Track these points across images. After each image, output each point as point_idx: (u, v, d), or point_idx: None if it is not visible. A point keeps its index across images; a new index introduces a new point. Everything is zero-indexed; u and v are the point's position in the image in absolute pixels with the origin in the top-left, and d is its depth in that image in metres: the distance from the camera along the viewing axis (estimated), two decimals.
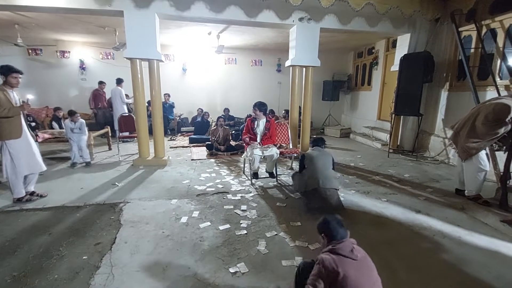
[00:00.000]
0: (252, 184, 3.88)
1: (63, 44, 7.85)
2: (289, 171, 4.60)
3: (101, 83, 7.32)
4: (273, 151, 3.92)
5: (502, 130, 2.95)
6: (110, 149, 5.92)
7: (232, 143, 6.10)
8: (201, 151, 5.83)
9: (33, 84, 7.65)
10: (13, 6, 4.01)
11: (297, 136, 5.50)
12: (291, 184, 3.76)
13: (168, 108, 7.81)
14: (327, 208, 2.76)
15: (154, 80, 4.54)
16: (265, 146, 4.03)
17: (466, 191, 3.35)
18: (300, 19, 4.78)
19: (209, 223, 2.72)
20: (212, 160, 5.23)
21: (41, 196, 3.33)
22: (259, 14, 4.60)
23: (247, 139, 4.03)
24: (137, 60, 4.42)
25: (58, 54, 7.89)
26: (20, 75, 3.02)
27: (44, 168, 3.34)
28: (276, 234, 2.53)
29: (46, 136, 5.14)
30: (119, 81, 6.84)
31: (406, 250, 2.33)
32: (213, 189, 3.67)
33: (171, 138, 7.38)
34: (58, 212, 2.95)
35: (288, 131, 4.75)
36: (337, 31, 5.23)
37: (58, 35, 7.24)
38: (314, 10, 4.77)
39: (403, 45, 5.59)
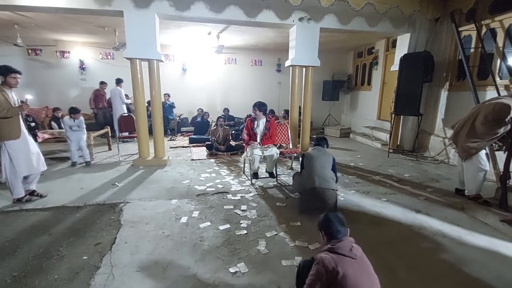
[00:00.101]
0: (252, 184, 3.88)
1: (63, 44, 7.85)
2: (289, 171, 4.60)
3: (102, 83, 7.32)
4: (273, 151, 3.92)
5: (501, 130, 2.95)
6: (110, 149, 5.92)
7: (232, 143, 6.09)
8: (201, 151, 5.83)
9: (33, 84, 7.66)
10: (13, 6, 4.01)
11: (297, 136, 5.50)
12: (291, 184, 3.76)
13: (168, 108, 7.81)
14: (321, 208, 2.75)
15: (154, 80, 4.54)
16: (265, 146, 4.03)
17: (466, 191, 3.36)
18: (300, 19, 4.78)
19: (209, 223, 2.72)
20: (212, 160, 5.23)
21: (41, 196, 3.33)
22: (259, 14, 4.60)
23: (245, 135, 4.03)
24: (137, 60, 4.42)
25: (58, 54, 7.89)
26: (19, 75, 3.01)
27: (45, 167, 3.34)
28: (276, 234, 2.53)
29: (46, 136, 5.14)
30: (118, 81, 6.84)
31: (406, 250, 2.33)
32: (213, 189, 3.67)
33: (171, 138, 7.38)
34: (58, 212, 2.95)
35: (288, 131, 4.75)
36: (337, 31, 5.23)
37: (58, 35, 7.23)
38: (314, 10, 4.77)
39: (403, 45, 5.59)
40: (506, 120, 2.87)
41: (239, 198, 3.38)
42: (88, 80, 8.14)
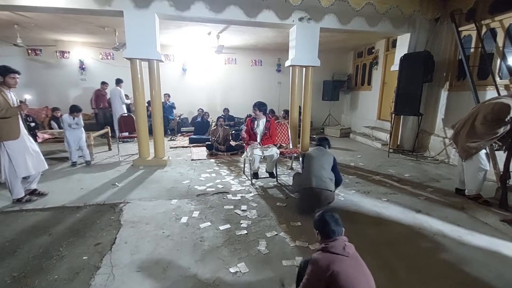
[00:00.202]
0: (252, 184, 3.88)
1: (63, 44, 7.84)
2: (289, 171, 4.60)
3: (103, 83, 7.31)
4: (273, 151, 3.92)
5: (501, 130, 2.95)
6: (110, 149, 5.92)
7: (232, 143, 6.09)
8: (201, 151, 5.83)
9: (33, 84, 7.66)
10: (13, 6, 4.00)
11: (297, 136, 5.50)
12: (291, 184, 3.75)
13: (168, 108, 7.80)
14: (316, 208, 2.74)
15: (154, 80, 4.54)
16: (265, 146, 4.03)
17: (466, 191, 3.35)
18: (300, 19, 4.78)
19: (209, 223, 2.72)
20: (212, 160, 5.22)
21: (42, 194, 3.35)
22: (259, 14, 4.60)
23: (244, 133, 4.03)
24: (137, 60, 4.41)
25: (57, 54, 7.88)
26: (18, 76, 3.01)
27: (46, 167, 3.35)
28: (276, 234, 2.53)
29: (46, 136, 5.14)
30: (118, 82, 6.85)
31: (406, 250, 2.33)
32: (213, 189, 3.67)
33: (171, 138, 7.38)
34: (58, 212, 2.95)
35: (288, 131, 4.75)
36: (337, 31, 5.23)
37: (58, 35, 7.23)
38: (314, 10, 4.77)
39: (403, 45, 5.59)
40: (506, 120, 2.87)
41: (239, 198, 3.38)
42: (88, 80, 8.14)
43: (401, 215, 2.94)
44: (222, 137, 5.74)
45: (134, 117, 4.94)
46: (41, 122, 6.96)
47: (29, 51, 7.66)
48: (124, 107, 6.92)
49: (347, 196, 3.46)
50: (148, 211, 2.98)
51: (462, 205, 3.18)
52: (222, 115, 7.41)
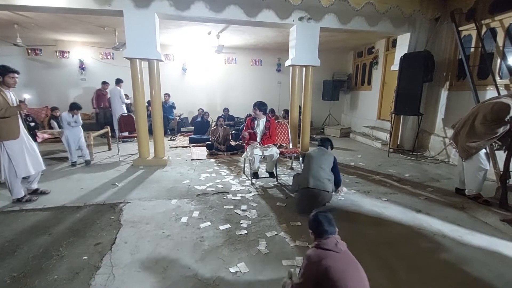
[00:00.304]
0: (252, 184, 3.88)
1: (63, 44, 7.84)
2: (289, 171, 4.60)
3: (104, 83, 7.30)
4: (273, 151, 3.92)
5: (501, 130, 2.95)
6: (110, 149, 5.92)
7: (232, 143, 6.09)
8: (201, 151, 5.83)
9: (33, 84, 7.66)
10: (12, 6, 4.00)
11: (297, 136, 5.50)
12: (291, 184, 3.75)
13: (168, 108, 7.80)
14: (313, 208, 2.73)
15: (154, 80, 4.53)
16: (265, 146, 4.03)
17: (466, 190, 3.35)
18: (300, 19, 4.78)
19: (209, 223, 2.71)
20: (212, 160, 5.22)
21: (44, 193, 3.36)
22: (259, 13, 4.59)
23: (246, 133, 4.02)
24: (137, 60, 4.41)
25: (57, 54, 7.88)
26: (17, 75, 3.01)
27: (44, 167, 3.35)
28: (276, 234, 2.53)
29: (46, 136, 5.13)
30: (118, 82, 6.85)
31: (406, 250, 2.33)
32: (213, 189, 3.67)
33: (171, 138, 7.38)
34: (58, 212, 2.95)
35: (288, 131, 4.75)
36: (337, 30, 5.23)
37: (58, 35, 7.23)
38: (314, 10, 4.76)
39: (403, 45, 5.59)
40: (506, 119, 2.87)
41: (239, 198, 3.38)
42: (88, 80, 8.14)
43: (401, 215, 2.94)
44: (222, 137, 5.74)
45: (134, 117, 4.94)
46: (41, 122, 6.95)
47: (29, 51, 7.66)
48: (124, 107, 6.91)
49: (347, 195, 3.46)
50: (148, 211, 2.98)
51: (462, 204, 3.18)
52: (222, 115, 7.40)
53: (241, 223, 2.72)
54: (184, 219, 2.79)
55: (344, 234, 2.27)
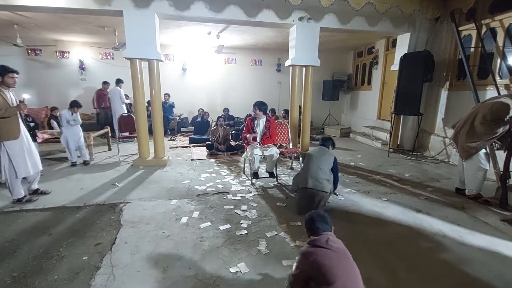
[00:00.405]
0: (252, 184, 3.88)
1: (63, 44, 7.84)
2: (289, 171, 4.60)
3: (105, 83, 7.30)
4: (273, 151, 3.92)
5: (500, 130, 2.95)
6: (110, 149, 5.92)
7: (232, 143, 6.09)
8: (201, 151, 5.83)
9: (33, 84, 7.66)
10: (12, 6, 4.00)
11: (297, 136, 5.50)
12: (291, 184, 3.75)
13: (168, 108, 7.80)
14: (312, 209, 2.73)
15: (154, 80, 4.53)
16: (265, 146, 4.03)
17: (466, 190, 3.35)
18: (300, 19, 4.78)
19: (209, 223, 2.71)
20: (212, 160, 5.22)
21: (45, 193, 3.37)
22: (259, 13, 4.59)
23: (251, 137, 4.01)
24: (137, 60, 4.41)
25: (57, 54, 7.88)
26: (16, 75, 3.00)
27: (41, 167, 3.35)
28: (276, 234, 2.53)
29: (46, 136, 5.14)
30: (118, 82, 6.85)
31: (406, 250, 2.33)
32: (213, 189, 3.66)
33: (171, 138, 7.38)
34: (58, 212, 2.95)
35: (288, 131, 4.75)
36: (337, 30, 5.23)
37: (58, 35, 7.23)
38: (314, 10, 4.76)
39: (403, 45, 5.59)
40: (505, 119, 2.87)
41: (239, 198, 3.38)
42: (88, 80, 8.15)
43: (401, 215, 2.94)
44: (222, 137, 5.74)
45: (134, 117, 4.94)
46: (40, 122, 6.95)
47: (29, 51, 7.66)
48: (124, 107, 6.91)
49: (347, 196, 3.46)
50: (148, 211, 2.98)
51: (462, 204, 3.18)
52: (222, 115, 7.40)
53: (241, 223, 2.72)
54: (184, 219, 2.79)
55: (344, 234, 2.28)
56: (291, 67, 5.20)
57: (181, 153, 5.76)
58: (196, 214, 2.91)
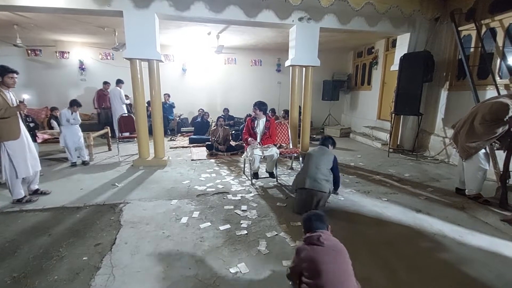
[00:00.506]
0: (252, 184, 3.88)
1: (63, 45, 7.84)
2: (289, 171, 4.60)
3: (105, 83, 7.30)
4: (273, 151, 3.92)
5: (500, 130, 2.95)
6: (110, 149, 5.92)
7: (232, 143, 6.09)
8: (201, 151, 5.83)
9: (33, 84, 7.66)
10: (12, 6, 4.00)
11: (297, 136, 5.50)
12: (291, 184, 3.75)
13: (168, 108, 7.80)
14: (310, 209, 2.73)
15: (154, 80, 4.53)
16: (265, 146, 4.03)
17: (466, 190, 3.35)
18: (300, 19, 4.78)
19: (209, 224, 2.71)
20: (212, 160, 5.22)
21: (45, 194, 3.37)
22: (258, 14, 4.60)
23: (250, 139, 4.00)
24: (137, 61, 4.41)
25: (57, 54, 7.88)
26: (16, 75, 3.00)
27: (40, 167, 3.35)
28: (276, 234, 2.53)
29: (46, 136, 5.14)
30: (118, 82, 6.85)
31: (406, 250, 2.33)
32: (213, 189, 3.66)
33: (171, 138, 7.38)
34: (58, 213, 2.95)
35: (288, 131, 4.75)
36: (337, 30, 5.23)
37: (57, 36, 7.23)
38: (313, 10, 4.77)
39: (403, 45, 5.59)
40: (505, 119, 2.87)
41: (239, 198, 3.38)
42: (88, 80, 8.15)
43: (401, 215, 2.94)
44: (222, 137, 5.74)
45: (134, 117, 4.93)
46: (40, 122, 6.95)
47: (29, 52, 7.66)
48: (124, 107, 6.92)
49: (347, 196, 3.46)
50: (148, 211, 2.98)
51: (462, 204, 3.18)
52: (222, 115, 7.41)
53: (241, 224, 2.72)
54: (184, 220, 2.79)
55: (344, 234, 2.28)
56: (291, 67, 5.20)
57: (181, 153, 5.76)
58: (196, 214, 2.91)
